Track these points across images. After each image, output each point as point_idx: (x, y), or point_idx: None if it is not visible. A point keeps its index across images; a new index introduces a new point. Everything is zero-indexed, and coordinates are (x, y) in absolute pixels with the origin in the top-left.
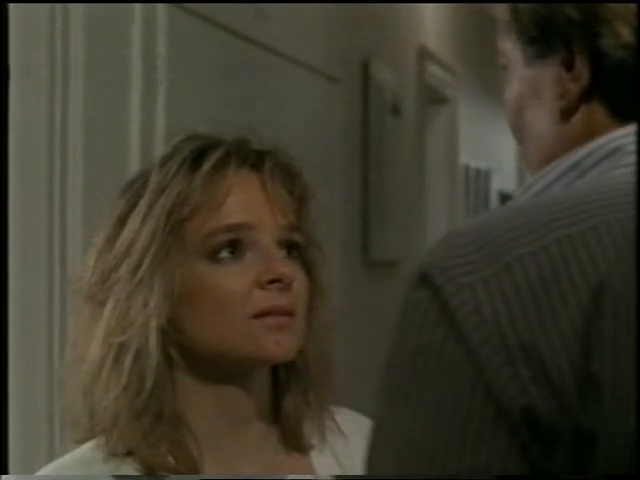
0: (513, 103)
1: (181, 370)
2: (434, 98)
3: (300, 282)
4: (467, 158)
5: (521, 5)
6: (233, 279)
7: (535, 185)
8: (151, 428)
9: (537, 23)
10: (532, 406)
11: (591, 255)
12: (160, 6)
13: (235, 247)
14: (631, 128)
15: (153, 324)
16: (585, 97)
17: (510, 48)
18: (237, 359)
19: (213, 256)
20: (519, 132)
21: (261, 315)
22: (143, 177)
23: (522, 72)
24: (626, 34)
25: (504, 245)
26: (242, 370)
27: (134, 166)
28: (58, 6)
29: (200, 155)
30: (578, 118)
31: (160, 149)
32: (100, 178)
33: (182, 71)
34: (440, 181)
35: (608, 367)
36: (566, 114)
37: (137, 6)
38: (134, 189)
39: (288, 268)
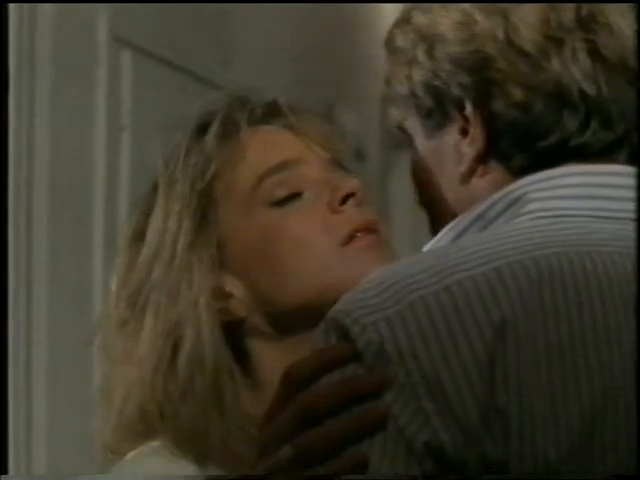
0: (417, 177)
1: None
2: (398, 144)
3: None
4: None
5: (416, 79)
6: (305, 215)
7: (442, 240)
8: (216, 423)
9: (432, 94)
10: (435, 439)
11: (494, 294)
12: (125, 50)
13: (290, 188)
14: (530, 178)
15: (202, 302)
16: (482, 159)
17: (411, 124)
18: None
19: (273, 201)
20: (426, 204)
21: (349, 240)
22: (150, 190)
23: (423, 145)
24: (517, 93)
25: (407, 287)
26: None
27: (99, 208)
28: (24, 47)
29: (203, 126)
30: (477, 179)
31: (125, 191)
32: (65, 220)
33: (146, 116)
34: (405, 227)
35: (514, 401)
36: (466, 177)
37: (102, 49)
38: (144, 203)
39: (355, 181)
